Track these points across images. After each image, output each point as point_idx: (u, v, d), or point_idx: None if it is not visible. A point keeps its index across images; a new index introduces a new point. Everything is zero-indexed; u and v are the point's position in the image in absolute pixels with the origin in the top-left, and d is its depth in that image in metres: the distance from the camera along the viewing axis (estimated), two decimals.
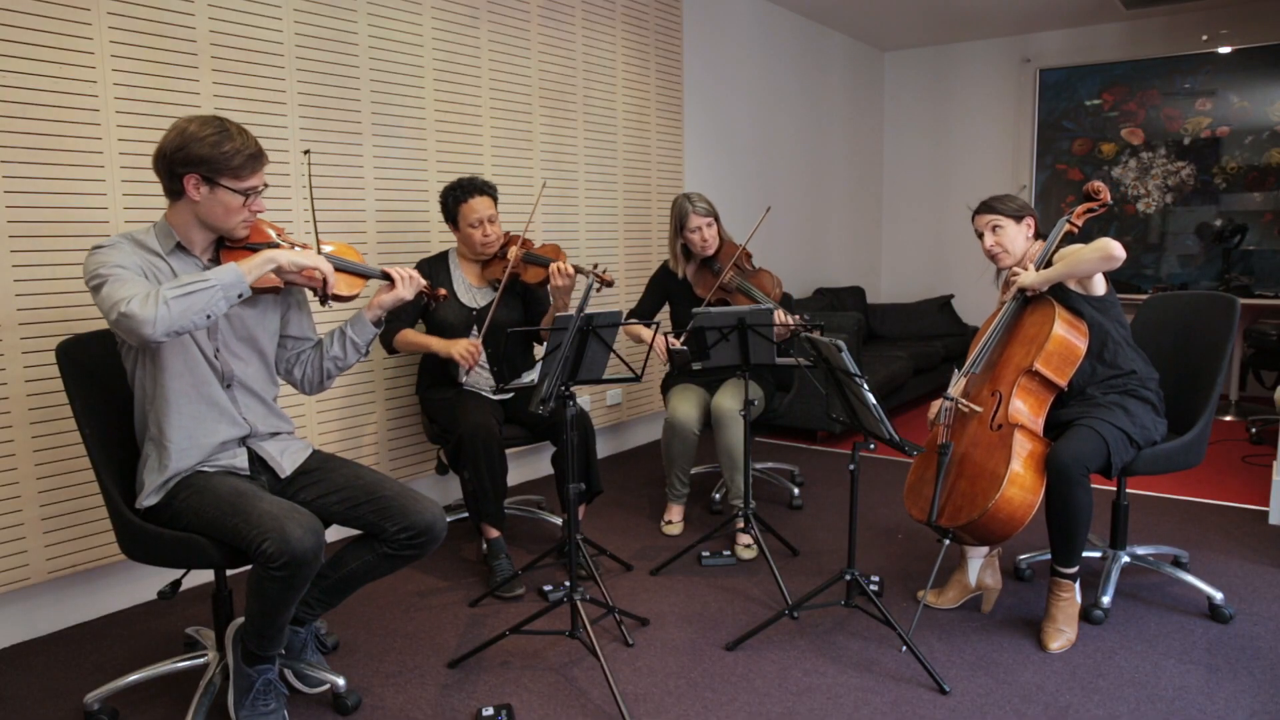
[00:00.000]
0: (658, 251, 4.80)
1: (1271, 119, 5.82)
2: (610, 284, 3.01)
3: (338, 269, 2.14)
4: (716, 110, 5.29)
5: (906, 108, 7.25)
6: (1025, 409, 2.55)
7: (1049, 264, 2.64)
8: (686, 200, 3.40)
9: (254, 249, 2.07)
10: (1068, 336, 2.54)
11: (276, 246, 2.10)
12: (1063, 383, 2.55)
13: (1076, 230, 2.71)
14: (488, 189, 3.15)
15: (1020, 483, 2.39)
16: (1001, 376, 2.61)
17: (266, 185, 2.05)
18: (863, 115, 7.00)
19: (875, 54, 7.14)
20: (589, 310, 2.32)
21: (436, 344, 3.05)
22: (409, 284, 2.24)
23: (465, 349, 2.98)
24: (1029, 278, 2.61)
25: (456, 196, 3.12)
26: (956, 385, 2.70)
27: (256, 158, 1.98)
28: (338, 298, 2.15)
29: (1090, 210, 2.72)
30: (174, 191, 1.97)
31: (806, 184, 6.31)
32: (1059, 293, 2.62)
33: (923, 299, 6.95)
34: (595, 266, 2.96)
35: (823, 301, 6.12)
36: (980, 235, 2.76)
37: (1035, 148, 6.70)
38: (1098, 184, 2.74)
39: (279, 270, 1.98)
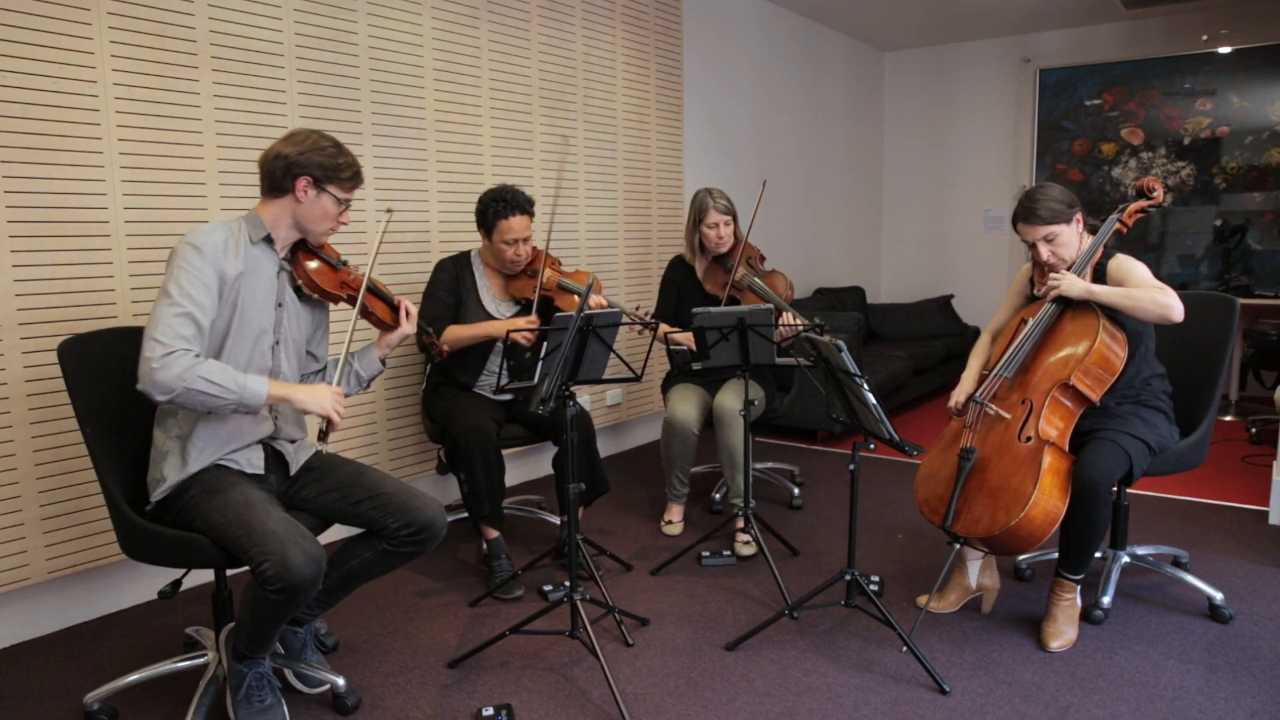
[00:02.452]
0: (658, 251, 4.80)
1: (1271, 119, 5.82)
2: (651, 326, 2.99)
3: (379, 296, 2.31)
4: (716, 110, 5.29)
5: (906, 108, 7.25)
6: (1057, 423, 2.45)
7: (1097, 269, 2.53)
8: (708, 195, 3.40)
9: (327, 261, 2.23)
10: (1109, 352, 2.44)
11: (344, 265, 2.26)
12: (1096, 399, 2.46)
13: (1125, 230, 2.57)
14: (528, 208, 3.09)
15: (1046, 503, 2.34)
16: (1034, 385, 2.50)
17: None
18: (862, 115, 7.00)
19: (875, 54, 7.14)
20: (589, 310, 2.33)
21: (490, 327, 3.02)
22: (412, 320, 2.35)
23: (526, 325, 2.94)
24: (1073, 286, 2.44)
25: (497, 210, 3.05)
26: (985, 387, 2.58)
27: (359, 175, 2.18)
28: (377, 322, 2.30)
29: (1143, 210, 2.59)
30: (280, 189, 2.10)
31: (806, 184, 6.31)
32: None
33: (923, 299, 6.95)
34: (637, 309, 2.93)
35: (823, 301, 6.12)
36: (1031, 245, 2.54)
37: (1035, 148, 6.70)
38: (1152, 181, 2.59)
39: (291, 399, 2.04)
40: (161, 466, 2.06)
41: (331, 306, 2.37)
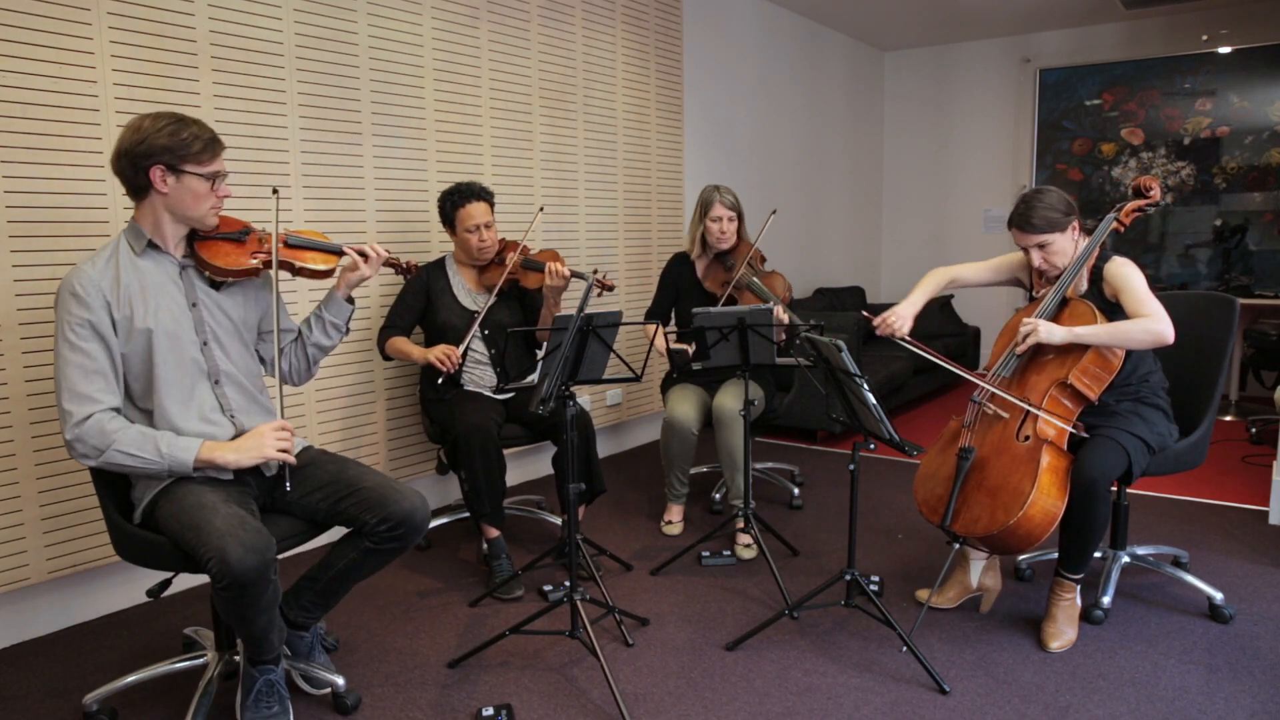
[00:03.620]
0: (658, 252, 4.80)
1: (1271, 119, 5.82)
2: (610, 288, 3.03)
3: (304, 247, 2.21)
4: (716, 110, 5.29)
5: (906, 108, 7.25)
6: (1055, 422, 2.45)
7: (1094, 271, 2.55)
8: (715, 190, 3.46)
9: (229, 238, 2.11)
10: (1108, 350, 2.44)
11: (248, 233, 2.14)
12: (1095, 397, 2.46)
13: (1123, 229, 2.57)
14: (485, 195, 3.18)
15: (1044, 502, 2.34)
16: (1032, 384, 2.51)
17: (228, 173, 2.07)
18: (863, 115, 7.00)
19: (875, 54, 7.14)
20: (589, 311, 2.33)
21: (417, 353, 3.10)
22: (374, 261, 2.27)
23: (440, 353, 3.01)
24: (1053, 333, 2.42)
25: (454, 201, 3.16)
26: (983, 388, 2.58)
27: (214, 141, 2.01)
28: (314, 273, 2.20)
29: (1140, 209, 2.59)
30: (140, 188, 1.99)
31: (806, 184, 6.31)
32: (1100, 300, 2.51)
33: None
34: (595, 271, 2.96)
35: (823, 301, 6.12)
36: (1024, 249, 2.58)
37: (1035, 148, 6.71)
38: (1149, 180, 2.58)
39: (221, 462, 1.99)
40: (134, 491, 2.08)
41: (272, 274, 2.19)
